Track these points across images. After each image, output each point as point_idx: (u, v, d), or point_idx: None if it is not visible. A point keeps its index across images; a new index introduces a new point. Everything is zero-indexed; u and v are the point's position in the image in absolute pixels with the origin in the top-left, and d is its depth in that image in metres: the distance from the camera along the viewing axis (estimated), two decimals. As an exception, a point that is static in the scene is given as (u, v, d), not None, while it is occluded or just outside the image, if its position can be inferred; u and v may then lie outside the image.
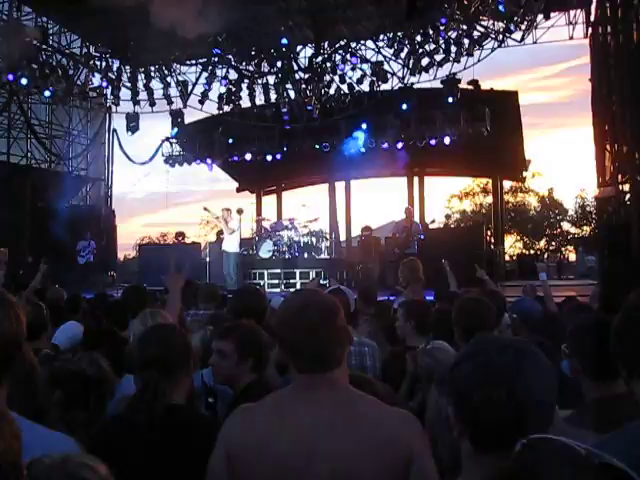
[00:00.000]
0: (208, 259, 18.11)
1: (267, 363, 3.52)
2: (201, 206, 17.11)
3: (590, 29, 19.19)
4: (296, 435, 2.08)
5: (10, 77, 17.82)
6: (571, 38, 19.81)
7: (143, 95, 20.71)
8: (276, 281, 16.72)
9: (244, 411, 2.27)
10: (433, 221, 19.71)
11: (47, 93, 19.66)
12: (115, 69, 20.54)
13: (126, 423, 2.64)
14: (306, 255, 17.59)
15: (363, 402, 2.18)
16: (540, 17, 17.98)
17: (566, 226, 41.44)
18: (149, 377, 2.67)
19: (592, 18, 19.02)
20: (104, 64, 20.46)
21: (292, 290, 15.31)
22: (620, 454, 1.41)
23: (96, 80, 20.59)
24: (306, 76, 19.86)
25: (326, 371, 2.16)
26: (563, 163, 75.80)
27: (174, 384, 2.74)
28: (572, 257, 39.75)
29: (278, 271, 16.87)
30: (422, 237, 16.57)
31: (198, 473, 2.24)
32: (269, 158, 21.75)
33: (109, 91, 21.08)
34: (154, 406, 2.60)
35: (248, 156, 21.70)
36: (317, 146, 20.47)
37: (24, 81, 18.09)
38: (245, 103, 20.62)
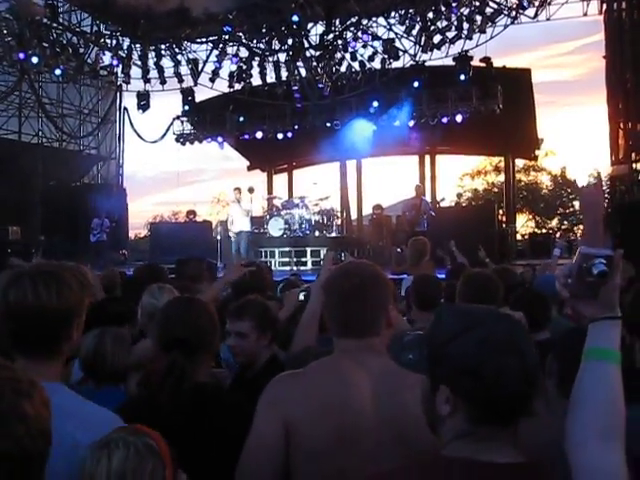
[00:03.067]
0: (219, 237, 18.13)
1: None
2: (212, 184, 17.13)
3: (604, 5, 18.93)
4: (360, 399, 2.12)
5: (21, 56, 17.84)
6: (585, 14, 19.55)
7: (154, 73, 20.71)
8: (287, 259, 16.73)
9: (294, 377, 2.27)
10: (443, 199, 19.64)
11: (58, 72, 19.70)
12: (125, 47, 20.53)
13: (150, 405, 2.54)
14: (317, 233, 17.58)
15: (406, 373, 2.19)
16: (554, -7, 17.78)
17: (579, 205, 41.18)
18: (174, 359, 2.59)
19: (607, -6, 18.76)
20: (114, 42, 20.45)
21: (302, 268, 15.40)
22: None
23: (106, 58, 20.65)
24: (317, 54, 19.77)
25: (371, 337, 2.25)
26: (576, 141, 75.09)
27: (198, 364, 2.69)
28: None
29: (289, 249, 16.88)
30: (433, 213, 16.52)
31: (230, 453, 2.20)
32: (280, 136, 21.72)
33: (120, 69, 21.06)
34: (180, 389, 2.53)
35: (259, 134, 21.68)
36: (328, 124, 20.40)
37: (35, 60, 18.11)
38: (256, 81, 20.58)
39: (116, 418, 2.08)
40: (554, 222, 41.26)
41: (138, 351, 3.46)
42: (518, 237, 27.58)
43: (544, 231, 36.87)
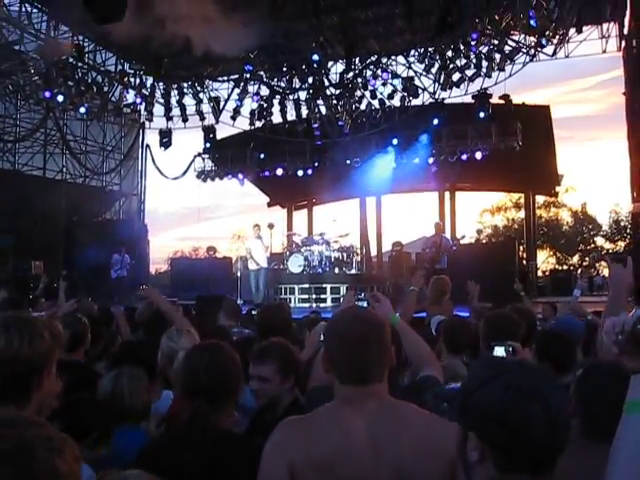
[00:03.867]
0: (239, 274, 18.20)
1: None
2: (233, 220, 17.25)
3: (624, 42, 19.01)
4: (358, 445, 2.13)
5: (47, 94, 18.17)
6: (604, 52, 19.65)
7: (176, 111, 20.95)
8: (306, 296, 16.72)
9: (298, 423, 2.28)
10: (463, 237, 19.58)
11: (82, 109, 20.05)
12: (149, 85, 20.83)
13: (173, 452, 2.56)
14: (337, 270, 17.57)
15: (407, 410, 2.26)
16: (572, 31, 17.87)
17: (600, 241, 40.93)
18: (198, 408, 2.63)
19: (625, 31, 18.84)
20: (138, 81, 20.76)
21: (322, 305, 15.37)
22: None
23: (130, 96, 20.89)
24: (337, 92, 19.94)
25: (373, 384, 2.24)
26: (597, 177, 74.85)
27: (222, 411, 2.74)
28: (606, 272, 39.25)
29: (308, 286, 16.87)
30: (454, 248, 16.47)
31: None
32: (300, 173, 21.90)
33: (143, 107, 21.34)
34: (204, 438, 2.56)
35: (279, 171, 21.87)
36: (348, 161, 20.52)
37: (60, 98, 18.43)
38: (277, 119, 20.77)
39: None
40: (575, 258, 41.00)
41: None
42: (539, 274, 27.44)
43: (565, 267, 36.64)
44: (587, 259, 40.64)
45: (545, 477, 1.57)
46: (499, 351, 3.25)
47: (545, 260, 39.84)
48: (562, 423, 1.56)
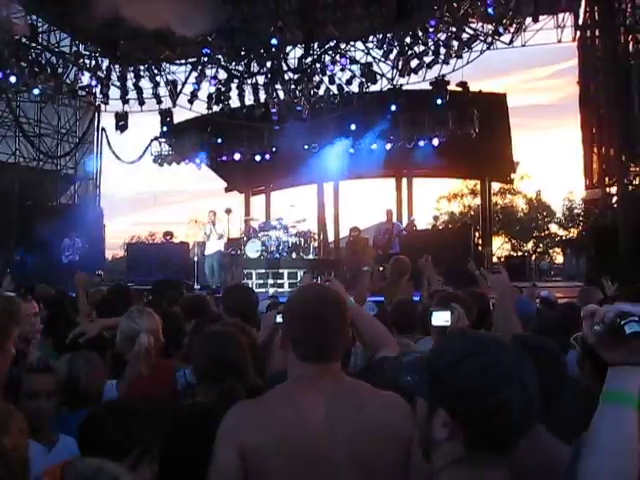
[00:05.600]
0: (196, 258, 18.10)
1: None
2: (190, 205, 17.17)
3: (578, 32, 19.30)
4: (314, 424, 2.12)
5: (-1, 75, 17.77)
6: (559, 41, 19.91)
7: (132, 94, 20.70)
8: (263, 281, 16.72)
9: (248, 407, 2.26)
10: (413, 220, 19.74)
11: (36, 91, 19.66)
12: (104, 68, 20.52)
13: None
14: (294, 255, 17.59)
15: (362, 390, 2.25)
16: (529, 20, 18.07)
17: (554, 228, 41.59)
18: (231, 386, 2.78)
19: (580, 22, 19.13)
20: (93, 63, 20.46)
21: (279, 290, 15.38)
22: None
23: (85, 78, 20.55)
24: (296, 76, 19.89)
25: (331, 361, 2.25)
26: (551, 165, 75.97)
27: (246, 384, 2.90)
28: (560, 259, 39.99)
29: (265, 271, 16.87)
30: (404, 232, 16.65)
31: None
32: (258, 158, 21.82)
33: (98, 90, 21.04)
34: None
35: (237, 156, 21.75)
36: (306, 146, 20.49)
37: (13, 79, 18.04)
38: (234, 103, 20.65)
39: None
40: (530, 245, 41.60)
41: None
42: (494, 260, 27.79)
43: (520, 254, 37.16)
44: (541, 245, 41.30)
45: (509, 454, 1.58)
46: (439, 317, 3.27)
47: (500, 246, 40.35)
48: (534, 404, 1.56)
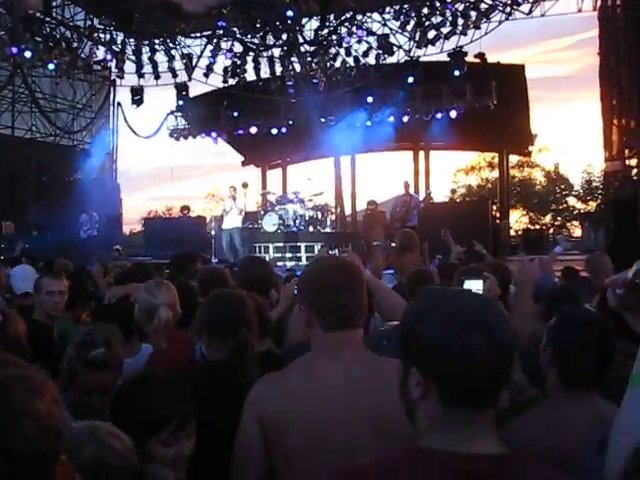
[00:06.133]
0: (213, 232, 18.12)
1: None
2: (207, 180, 17.19)
3: (599, 1, 18.95)
4: (333, 395, 2.15)
5: (14, 50, 17.74)
6: (580, 11, 19.57)
7: (148, 68, 20.67)
8: (281, 254, 16.72)
9: (273, 378, 2.33)
10: (430, 193, 19.70)
11: (51, 66, 19.61)
12: (119, 42, 20.47)
13: (230, 368, 2.82)
14: (311, 229, 17.57)
15: (383, 360, 2.27)
16: (549, -11, 17.79)
17: (572, 201, 41.25)
18: (243, 338, 2.88)
19: (601, -10, 18.78)
20: (108, 37, 20.42)
21: (299, 263, 15.39)
22: None
23: (100, 53, 20.55)
24: (312, 49, 19.75)
25: (354, 329, 2.28)
26: (570, 137, 75.12)
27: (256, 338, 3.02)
28: (578, 232, 39.69)
29: (283, 244, 16.87)
30: (422, 205, 16.61)
31: None
32: (274, 132, 21.77)
33: (113, 64, 21.02)
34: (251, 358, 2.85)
35: (253, 129, 21.70)
36: (322, 119, 20.39)
37: (28, 54, 18.01)
38: (250, 76, 20.56)
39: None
40: (547, 218, 41.33)
41: None
42: (512, 233, 27.67)
43: (537, 227, 36.92)
44: (559, 218, 40.99)
45: (489, 409, 1.52)
46: (471, 285, 3.22)
47: (518, 219, 40.10)
48: (506, 350, 1.50)
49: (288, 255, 16.49)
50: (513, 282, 4.74)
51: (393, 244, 8.13)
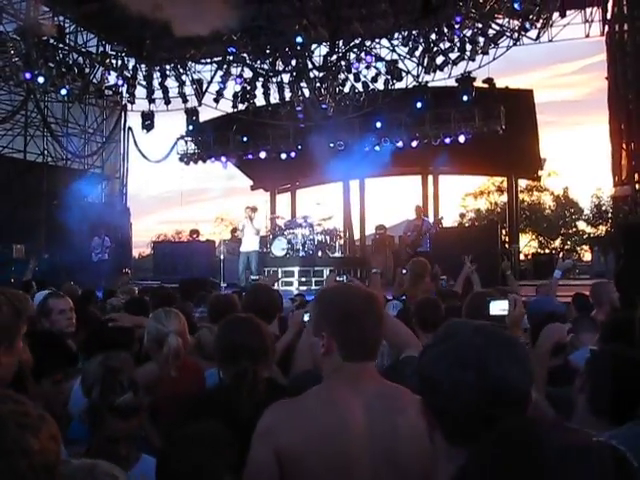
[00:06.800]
0: (222, 257, 18.14)
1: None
2: (216, 204, 17.16)
3: (607, 27, 19.05)
4: (353, 427, 2.12)
5: (27, 76, 17.95)
6: (587, 36, 19.68)
7: (158, 93, 20.84)
8: (290, 279, 16.68)
9: (286, 406, 2.24)
10: (442, 218, 19.65)
11: (63, 91, 19.82)
12: (131, 67, 20.69)
13: (228, 397, 2.80)
14: (320, 253, 17.54)
15: (401, 392, 2.25)
16: (556, 15, 17.89)
17: (582, 225, 41.17)
18: (246, 365, 2.85)
19: (608, 16, 18.87)
20: (120, 62, 20.61)
21: (307, 288, 15.36)
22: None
23: (112, 78, 20.72)
24: (321, 74, 19.88)
25: (371, 360, 2.27)
26: (579, 162, 75.16)
27: (262, 367, 2.98)
28: (587, 257, 39.53)
29: (292, 269, 16.83)
30: (434, 231, 16.52)
31: None
32: (283, 156, 21.86)
33: (125, 89, 21.20)
34: (254, 386, 2.80)
35: (262, 154, 21.80)
36: (332, 144, 20.47)
37: (41, 80, 18.23)
38: (260, 101, 20.70)
39: None
40: (557, 242, 41.22)
41: (143, 374, 3.46)
42: (521, 257, 27.59)
43: (547, 251, 36.84)
44: (569, 243, 40.88)
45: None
46: (497, 306, 3.21)
47: (527, 244, 40.05)
48: (503, 391, 1.45)
49: (297, 279, 16.43)
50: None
51: (404, 271, 8.11)
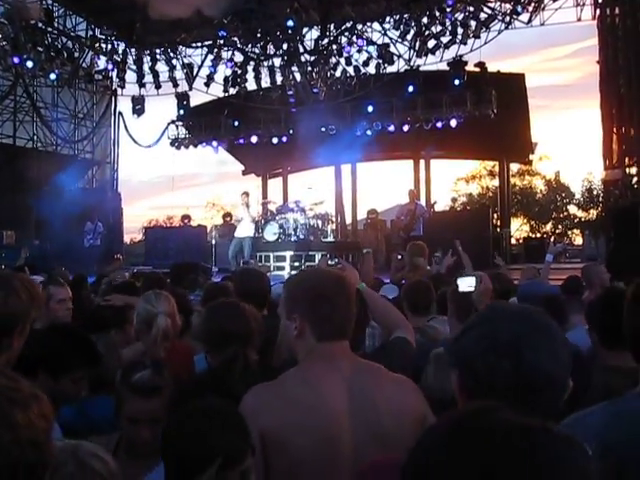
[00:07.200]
0: (214, 242, 18.12)
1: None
2: (207, 189, 17.14)
3: (598, 10, 18.99)
4: (334, 406, 2.14)
5: (16, 60, 17.82)
6: (579, 20, 19.62)
7: (149, 78, 20.74)
8: (282, 264, 16.68)
9: (268, 389, 2.25)
10: (435, 202, 19.70)
11: (53, 76, 19.69)
12: (121, 52, 20.54)
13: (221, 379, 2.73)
14: (312, 238, 17.54)
15: (378, 370, 2.30)
16: (547, -2, 17.84)
17: (573, 209, 41.27)
18: (235, 353, 2.79)
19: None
20: (109, 46, 20.48)
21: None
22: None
23: (102, 63, 20.60)
24: (312, 58, 19.79)
25: (344, 339, 2.29)
26: (571, 145, 75.27)
27: (251, 350, 2.98)
28: (579, 240, 39.68)
29: (284, 254, 16.82)
30: (428, 215, 16.54)
31: None
32: (275, 141, 21.79)
33: (115, 74, 21.09)
34: (249, 372, 2.75)
35: (254, 139, 21.73)
36: (323, 129, 20.42)
37: (30, 64, 18.09)
38: (251, 86, 20.62)
39: None
40: (548, 226, 41.33)
41: (128, 353, 3.46)
42: (513, 241, 27.66)
43: (538, 235, 36.93)
44: (560, 227, 40.99)
45: None
46: (464, 282, 3.31)
47: (519, 228, 40.14)
48: (537, 379, 1.46)
49: (289, 264, 16.41)
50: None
51: (400, 257, 8.12)
